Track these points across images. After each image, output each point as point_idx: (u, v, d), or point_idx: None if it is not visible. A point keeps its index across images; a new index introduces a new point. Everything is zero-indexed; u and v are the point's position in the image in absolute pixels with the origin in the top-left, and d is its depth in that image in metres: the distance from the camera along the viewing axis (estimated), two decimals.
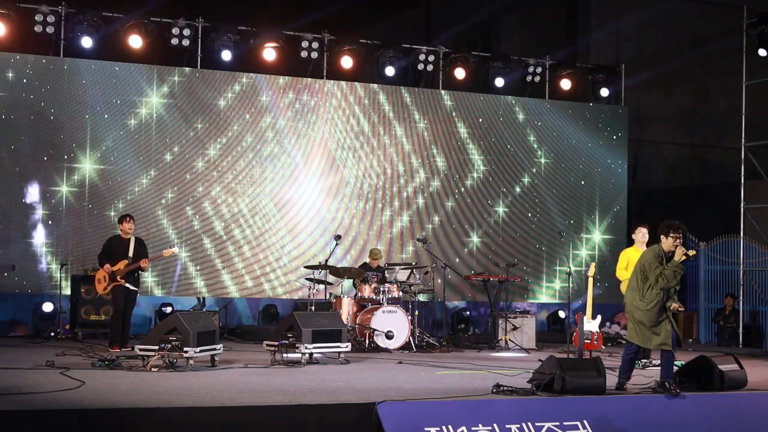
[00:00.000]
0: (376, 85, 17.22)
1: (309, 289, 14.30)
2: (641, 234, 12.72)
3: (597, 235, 18.33)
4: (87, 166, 15.45)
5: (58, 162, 15.32)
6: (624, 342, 10.36)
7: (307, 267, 14.87)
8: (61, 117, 15.38)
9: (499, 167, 17.81)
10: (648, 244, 11.76)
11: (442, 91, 17.62)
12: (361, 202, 16.97)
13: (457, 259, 17.29)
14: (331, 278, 14.55)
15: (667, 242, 9.89)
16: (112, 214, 15.44)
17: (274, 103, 16.56)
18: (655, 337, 9.81)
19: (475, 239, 17.53)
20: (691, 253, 12.54)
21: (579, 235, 18.20)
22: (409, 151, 17.28)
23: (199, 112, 16.12)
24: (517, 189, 17.91)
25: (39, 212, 15.19)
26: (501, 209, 17.75)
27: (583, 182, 18.37)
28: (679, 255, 9.77)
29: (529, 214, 17.95)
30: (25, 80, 15.26)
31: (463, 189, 17.55)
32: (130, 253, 13.04)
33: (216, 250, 16.09)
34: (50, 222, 15.22)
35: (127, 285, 12.99)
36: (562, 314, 17.68)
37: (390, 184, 17.13)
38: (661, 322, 9.80)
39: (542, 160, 18.11)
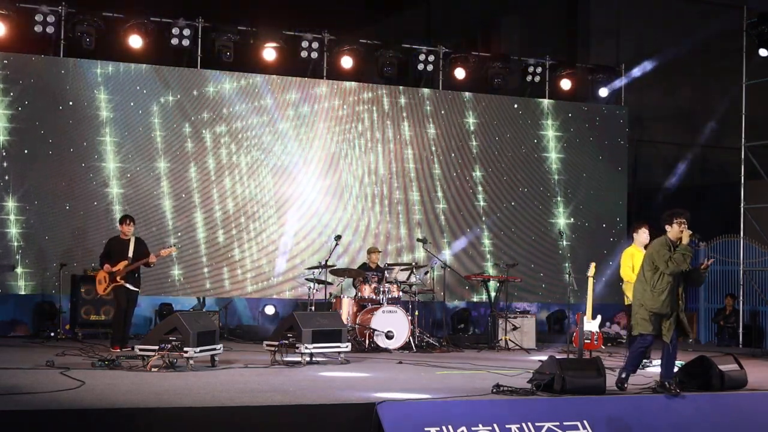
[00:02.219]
0: (376, 86, 17.22)
1: (309, 289, 14.30)
2: (644, 235, 12.67)
3: (597, 235, 18.31)
4: None
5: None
6: (624, 342, 10.35)
7: (307, 268, 14.87)
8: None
9: (499, 167, 17.80)
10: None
11: (443, 91, 17.62)
12: (360, 202, 16.96)
13: (457, 258, 17.30)
14: (331, 278, 14.56)
15: (673, 230, 9.80)
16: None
17: (273, 102, 16.56)
18: (668, 326, 9.69)
19: (473, 238, 17.53)
20: (708, 262, 12.55)
21: (579, 235, 18.19)
22: (409, 150, 17.27)
23: (197, 112, 16.15)
24: (518, 189, 17.90)
25: None
26: (501, 209, 17.75)
27: (583, 182, 18.37)
28: (686, 237, 9.69)
29: (529, 214, 17.95)
30: (23, 80, 15.29)
31: (463, 188, 17.54)
32: (130, 254, 13.00)
33: (214, 248, 16.09)
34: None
35: (127, 285, 12.94)
36: (563, 314, 17.66)
37: (390, 184, 17.12)
38: (674, 312, 9.71)
39: (542, 160, 18.11)
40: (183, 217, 15.97)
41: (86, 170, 15.49)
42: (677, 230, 9.77)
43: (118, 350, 12.48)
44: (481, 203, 17.63)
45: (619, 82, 18.77)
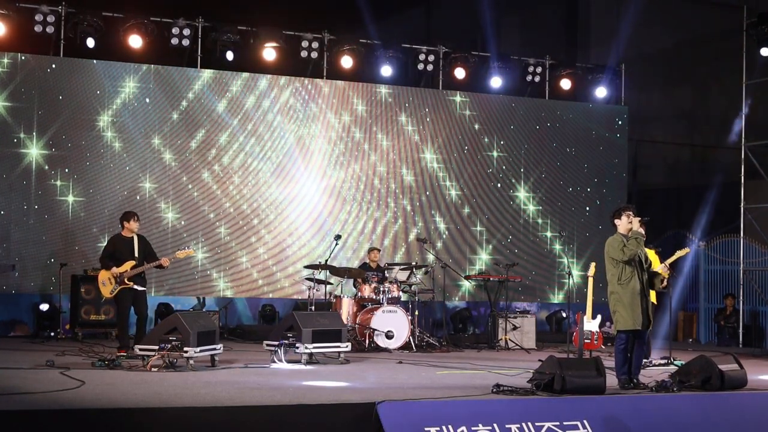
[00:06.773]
0: (376, 85, 17.22)
1: (309, 289, 14.30)
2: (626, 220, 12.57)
3: (597, 235, 18.30)
4: None
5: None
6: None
7: (307, 267, 14.88)
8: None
9: (499, 167, 17.80)
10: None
11: (442, 91, 17.62)
12: (360, 202, 16.96)
13: (458, 258, 17.30)
14: (331, 278, 14.56)
15: (622, 222, 10.14)
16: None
17: (273, 102, 16.56)
18: (643, 316, 9.98)
19: (474, 238, 17.53)
20: (684, 251, 12.61)
21: (578, 234, 18.18)
22: (409, 150, 17.28)
23: (197, 112, 16.15)
24: (518, 189, 17.90)
25: None
26: (500, 209, 17.75)
27: (582, 182, 18.37)
28: (636, 223, 10.06)
29: (530, 214, 17.94)
30: (24, 80, 15.29)
31: (463, 188, 17.54)
32: (136, 254, 12.57)
33: (214, 248, 16.09)
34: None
35: (135, 287, 12.53)
36: (563, 314, 17.67)
37: (391, 184, 17.13)
38: (645, 301, 10.02)
39: (542, 161, 18.11)
40: (183, 218, 15.97)
41: (86, 170, 15.49)
42: (626, 222, 10.11)
43: (125, 353, 12.29)
44: (482, 203, 17.62)
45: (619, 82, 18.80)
